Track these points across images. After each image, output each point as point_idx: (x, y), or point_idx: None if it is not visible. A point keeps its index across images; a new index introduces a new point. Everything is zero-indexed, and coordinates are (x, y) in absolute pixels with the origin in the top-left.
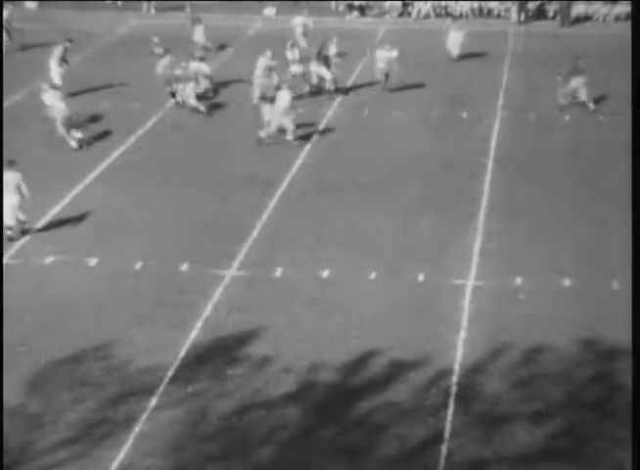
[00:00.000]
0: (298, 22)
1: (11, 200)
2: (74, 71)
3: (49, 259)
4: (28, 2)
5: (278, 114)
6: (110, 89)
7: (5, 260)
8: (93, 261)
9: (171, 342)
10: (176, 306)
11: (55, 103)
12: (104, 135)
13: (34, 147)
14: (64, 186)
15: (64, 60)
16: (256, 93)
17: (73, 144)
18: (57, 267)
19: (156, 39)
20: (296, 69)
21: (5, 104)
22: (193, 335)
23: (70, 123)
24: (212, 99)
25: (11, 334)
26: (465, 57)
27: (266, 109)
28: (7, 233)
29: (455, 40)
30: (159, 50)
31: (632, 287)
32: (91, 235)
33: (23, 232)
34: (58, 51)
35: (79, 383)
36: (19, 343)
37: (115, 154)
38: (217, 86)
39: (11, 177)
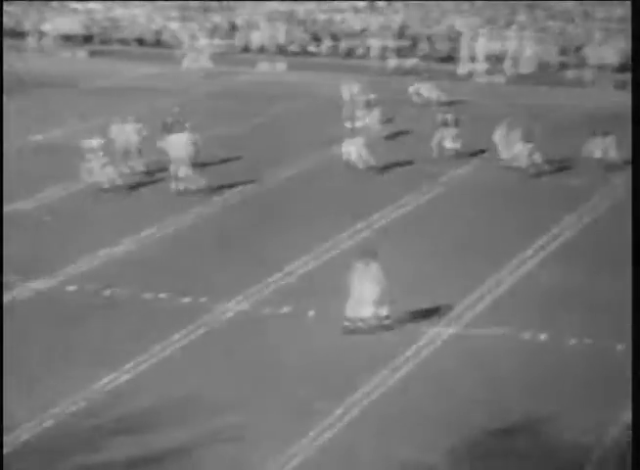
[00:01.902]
0: None
1: (371, 290)
2: None
3: (490, 331)
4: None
5: None
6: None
7: (446, 329)
8: (526, 335)
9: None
10: None
11: None
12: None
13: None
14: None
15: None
16: None
17: None
18: (496, 341)
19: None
20: None
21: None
22: None
23: None
24: None
25: (443, 409)
26: None
27: None
28: (345, 324)
29: None
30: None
31: (632, 288)
32: (536, 308)
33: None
34: (504, 126)
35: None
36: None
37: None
38: None
39: (372, 268)
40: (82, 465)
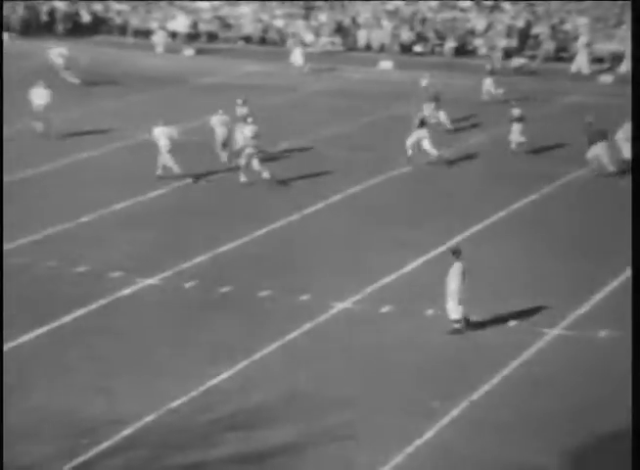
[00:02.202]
0: None
1: (453, 288)
2: None
3: (602, 333)
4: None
5: None
6: None
7: (558, 331)
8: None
9: None
10: None
11: None
12: None
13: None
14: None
15: None
16: None
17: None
18: (604, 343)
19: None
20: None
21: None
22: None
23: None
24: None
25: (554, 411)
26: None
27: None
28: (455, 326)
29: None
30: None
31: (632, 284)
32: None
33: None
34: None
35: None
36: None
37: None
38: None
39: (456, 266)
40: (198, 460)
